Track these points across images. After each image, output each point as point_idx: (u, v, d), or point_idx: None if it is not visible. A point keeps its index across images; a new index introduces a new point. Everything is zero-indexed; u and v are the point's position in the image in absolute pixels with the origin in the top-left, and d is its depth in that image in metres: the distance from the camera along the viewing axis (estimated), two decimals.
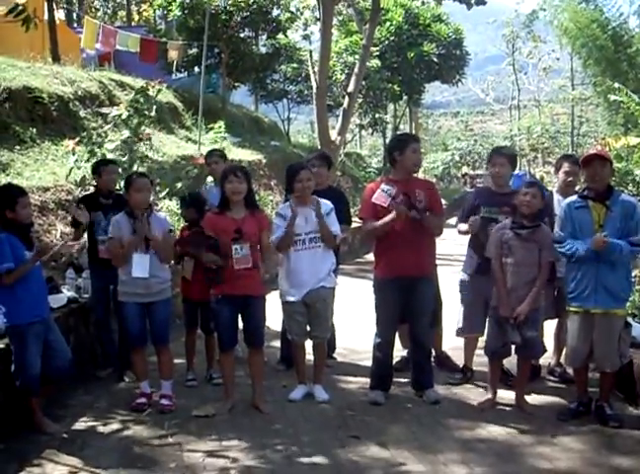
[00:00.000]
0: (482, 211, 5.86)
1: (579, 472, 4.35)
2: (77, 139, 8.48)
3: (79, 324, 6.23)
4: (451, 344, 6.46)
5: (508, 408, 5.46)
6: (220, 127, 11.62)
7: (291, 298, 5.58)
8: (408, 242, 5.34)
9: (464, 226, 5.92)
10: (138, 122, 8.75)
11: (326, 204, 5.63)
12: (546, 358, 6.14)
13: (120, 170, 6.99)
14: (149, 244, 5.34)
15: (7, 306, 4.82)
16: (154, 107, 9.13)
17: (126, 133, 8.53)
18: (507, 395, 5.59)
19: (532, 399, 5.56)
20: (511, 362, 5.75)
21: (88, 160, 8.13)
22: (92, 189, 6.66)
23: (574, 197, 5.25)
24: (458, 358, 6.27)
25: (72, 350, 5.51)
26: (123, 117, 8.74)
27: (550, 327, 6.10)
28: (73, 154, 8.29)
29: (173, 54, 16.31)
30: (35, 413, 4.93)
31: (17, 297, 4.79)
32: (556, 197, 6.02)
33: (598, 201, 5.06)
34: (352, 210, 6.77)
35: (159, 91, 9.42)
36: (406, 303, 5.53)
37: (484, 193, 6.19)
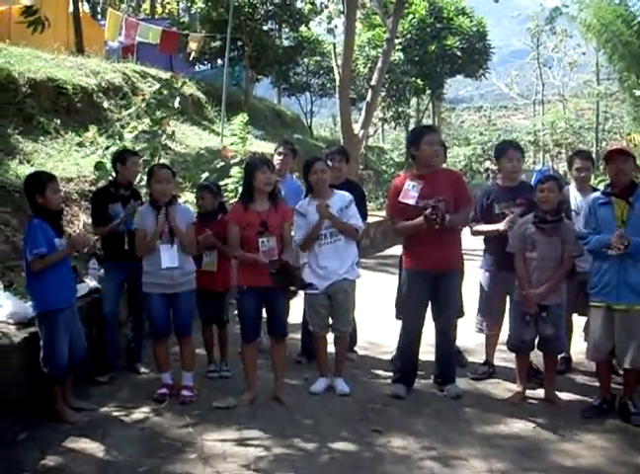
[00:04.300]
0: (496, 208, 5.82)
1: (602, 470, 4.30)
2: (95, 129, 8.47)
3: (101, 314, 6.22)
4: (473, 339, 6.43)
5: (532, 403, 5.42)
6: (242, 121, 11.56)
7: (314, 290, 5.57)
8: (435, 237, 5.29)
9: (485, 227, 5.83)
10: (162, 115, 8.73)
11: (344, 196, 5.61)
12: (577, 354, 6.12)
13: (140, 160, 6.91)
14: (174, 235, 5.33)
15: (39, 292, 4.83)
16: (178, 99, 9.09)
17: (147, 122, 8.51)
18: (532, 391, 5.56)
19: None
20: (538, 359, 5.72)
21: (107, 148, 8.15)
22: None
23: (598, 194, 5.20)
24: (481, 353, 6.24)
25: (95, 340, 5.53)
26: (143, 106, 8.73)
27: (579, 322, 6.03)
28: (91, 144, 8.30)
29: (193, 46, 16.34)
30: (56, 402, 4.94)
31: (49, 283, 4.80)
32: (573, 192, 5.98)
33: (621, 198, 5.01)
34: (370, 204, 6.70)
35: (184, 83, 9.40)
36: (432, 297, 5.51)
37: (494, 190, 6.05)
